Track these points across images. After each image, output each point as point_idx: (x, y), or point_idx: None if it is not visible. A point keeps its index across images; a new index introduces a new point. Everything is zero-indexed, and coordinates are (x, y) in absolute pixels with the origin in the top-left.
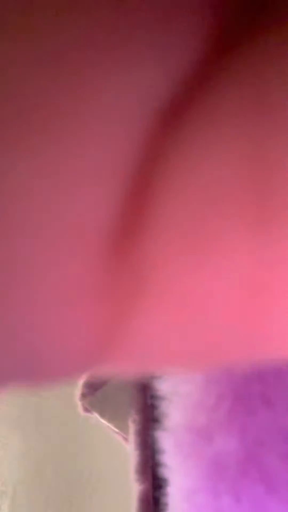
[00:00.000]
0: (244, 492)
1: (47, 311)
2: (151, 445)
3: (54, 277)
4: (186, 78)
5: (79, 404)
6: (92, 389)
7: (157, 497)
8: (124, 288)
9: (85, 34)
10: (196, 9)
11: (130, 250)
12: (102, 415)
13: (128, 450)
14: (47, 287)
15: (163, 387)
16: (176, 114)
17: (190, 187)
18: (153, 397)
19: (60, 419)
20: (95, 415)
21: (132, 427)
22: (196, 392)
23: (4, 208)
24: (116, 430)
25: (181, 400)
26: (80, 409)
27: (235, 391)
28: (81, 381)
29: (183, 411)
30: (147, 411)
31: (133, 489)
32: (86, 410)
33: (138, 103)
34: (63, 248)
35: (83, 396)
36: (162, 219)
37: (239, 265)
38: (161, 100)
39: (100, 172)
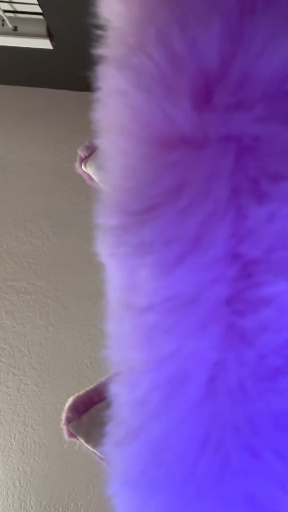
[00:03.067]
0: None
1: None
2: None
3: None
4: None
5: (64, 429)
6: (78, 412)
7: None
8: None
9: None
10: None
11: None
12: (88, 440)
13: None
14: None
15: None
16: None
17: None
18: None
19: None
20: (80, 441)
21: None
22: None
23: None
24: (102, 456)
25: None
26: (65, 434)
27: None
28: (66, 405)
29: None
30: None
31: None
32: (71, 435)
33: None
34: None
35: (68, 420)
36: None
37: None
38: None
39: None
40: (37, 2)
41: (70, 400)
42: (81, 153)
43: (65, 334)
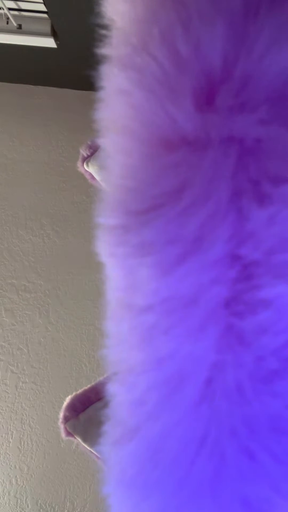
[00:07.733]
0: None
1: None
2: None
3: None
4: None
5: (61, 427)
6: (75, 411)
7: None
8: None
9: None
10: None
11: None
12: (85, 439)
13: None
14: None
15: None
16: None
17: None
18: None
19: None
20: (77, 440)
21: None
22: None
23: None
24: (99, 455)
25: None
26: (62, 433)
27: None
28: (64, 404)
29: None
30: None
31: None
32: (68, 434)
33: None
34: None
35: (66, 419)
36: None
37: None
38: None
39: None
40: (42, 1)
41: (67, 399)
42: (84, 152)
43: (64, 333)
